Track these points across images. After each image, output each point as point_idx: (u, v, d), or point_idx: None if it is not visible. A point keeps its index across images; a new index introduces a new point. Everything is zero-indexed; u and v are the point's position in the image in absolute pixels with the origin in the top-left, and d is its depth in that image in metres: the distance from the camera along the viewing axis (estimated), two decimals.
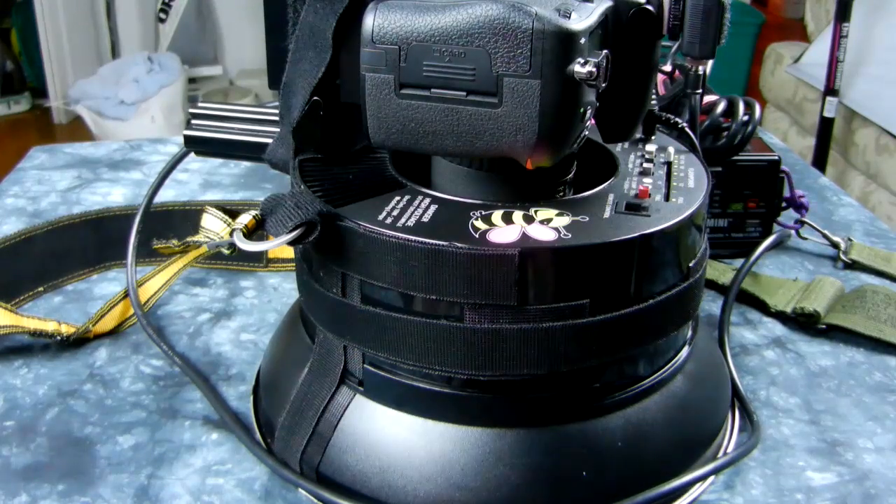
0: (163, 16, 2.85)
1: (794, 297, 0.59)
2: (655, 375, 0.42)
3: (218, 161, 0.83)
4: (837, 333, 0.56)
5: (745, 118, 0.61)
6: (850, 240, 0.67)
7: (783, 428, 0.48)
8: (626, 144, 0.48)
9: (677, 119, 0.49)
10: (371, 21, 0.37)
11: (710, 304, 0.59)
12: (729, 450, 0.46)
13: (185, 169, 0.81)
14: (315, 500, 0.42)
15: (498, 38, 0.35)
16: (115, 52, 2.92)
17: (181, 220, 0.64)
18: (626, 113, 0.45)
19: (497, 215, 0.39)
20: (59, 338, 0.53)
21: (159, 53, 2.76)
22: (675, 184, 0.43)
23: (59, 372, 0.51)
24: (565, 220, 0.39)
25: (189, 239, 0.59)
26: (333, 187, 0.42)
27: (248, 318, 0.57)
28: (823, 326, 0.56)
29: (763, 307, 0.59)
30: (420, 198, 0.41)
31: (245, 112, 0.50)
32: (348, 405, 0.42)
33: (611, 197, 0.41)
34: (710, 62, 0.48)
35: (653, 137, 0.49)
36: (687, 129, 0.49)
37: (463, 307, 0.37)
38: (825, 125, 1.91)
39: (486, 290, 0.37)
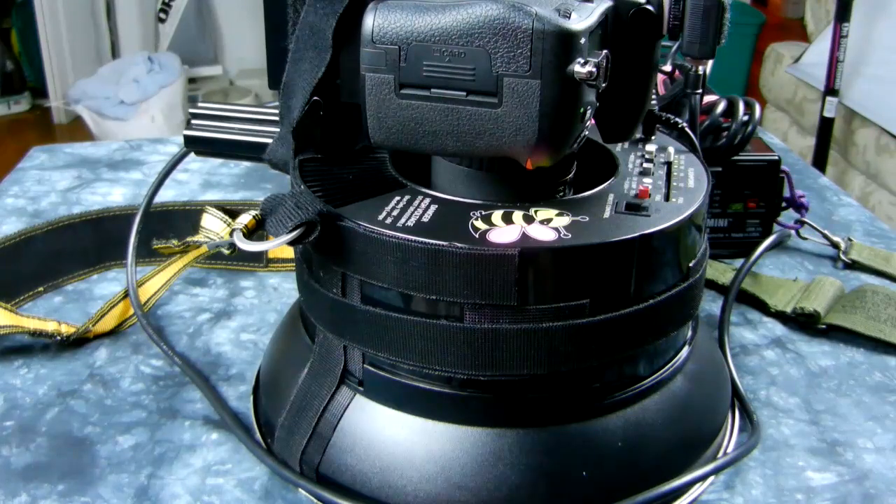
0: (163, 16, 2.85)
1: (794, 297, 0.59)
2: (655, 375, 0.42)
3: (218, 161, 0.83)
4: (837, 333, 0.56)
5: (745, 118, 0.61)
6: (850, 240, 0.67)
7: (783, 428, 0.48)
8: (626, 144, 0.48)
9: (677, 119, 0.49)
10: (371, 21, 0.37)
11: (710, 304, 0.59)
12: (729, 450, 0.46)
13: (185, 169, 0.81)
14: (315, 500, 0.42)
15: (498, 38, 0.35)
16: (115, 52, 2.92)
17: (181, 220, 0.64)
18: (626, 113, 0.45)
19: (497, 215, 0.39)
20: (59, 338, 0.53)
21: (159, 53, 2.76)
22: (675, 184, 0.43)
23: (59, 372, 0.51)
24: (565, 220, 0.39)
25: (189, 239, 0.59)
26: (333, 187, 0.42)
27: (248, 318, 0.57)
28: (823, 326, 0.56)
29: (763, 307, 0.59)
30: (420, 198, 0.41)
31: (245, 112, 0.50)
32: (348, 405, 0.42)
33: (611, 197, 0.41)
34: (710, 62, 0.48)
35: (653, 137, 0.49)
36: (687, 129, 0.49)
37: (463, 307, 0.37)
38: (825, 125, 1.91)
39: (486, 290, 0.37)
